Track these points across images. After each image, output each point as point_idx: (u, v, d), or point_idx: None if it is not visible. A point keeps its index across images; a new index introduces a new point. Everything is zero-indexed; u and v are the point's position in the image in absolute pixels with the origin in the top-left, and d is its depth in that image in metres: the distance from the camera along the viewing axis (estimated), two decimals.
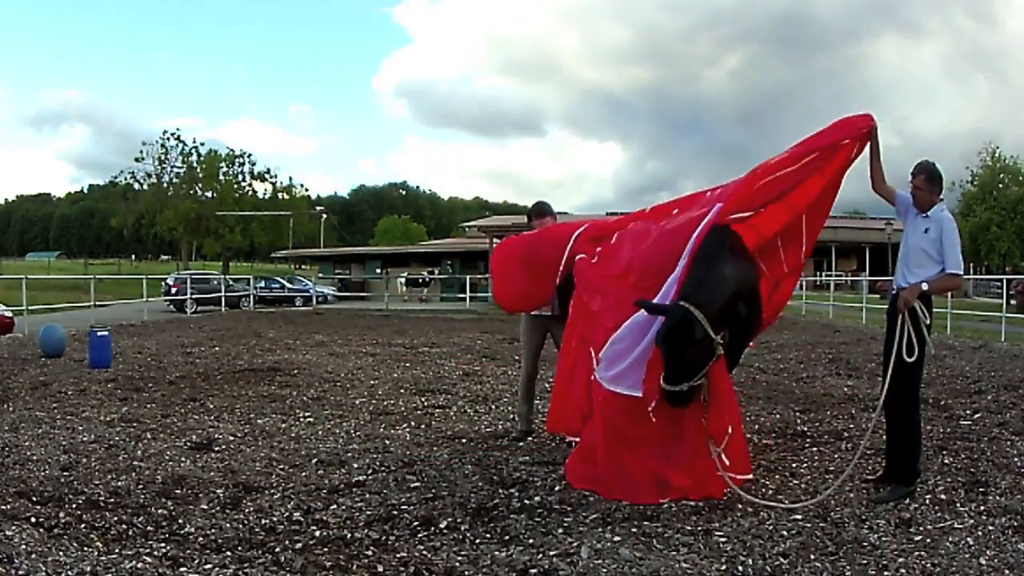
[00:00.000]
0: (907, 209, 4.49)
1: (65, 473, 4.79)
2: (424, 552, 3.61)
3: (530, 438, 5.89)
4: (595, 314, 4.75)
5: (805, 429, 6.11)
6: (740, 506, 4.16)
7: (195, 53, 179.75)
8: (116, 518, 3.98)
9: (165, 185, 57.45)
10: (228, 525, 3.94)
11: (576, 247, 5.11)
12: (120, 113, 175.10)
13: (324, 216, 63.92)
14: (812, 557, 3.49)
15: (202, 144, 58.07)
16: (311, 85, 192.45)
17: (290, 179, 78.76)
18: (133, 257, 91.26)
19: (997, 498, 4.28)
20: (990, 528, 3.83)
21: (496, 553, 3.58)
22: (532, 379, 6.10)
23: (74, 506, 4.16)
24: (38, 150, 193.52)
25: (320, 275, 46.24)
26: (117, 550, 3.58)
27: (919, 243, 4.38)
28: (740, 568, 3.38)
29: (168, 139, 56.77)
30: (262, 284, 34.32)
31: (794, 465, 5.07)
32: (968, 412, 6.62)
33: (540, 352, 6.07)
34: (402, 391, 8.13)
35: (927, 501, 4.24)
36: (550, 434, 5.79)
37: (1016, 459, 5.04)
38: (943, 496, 4.34)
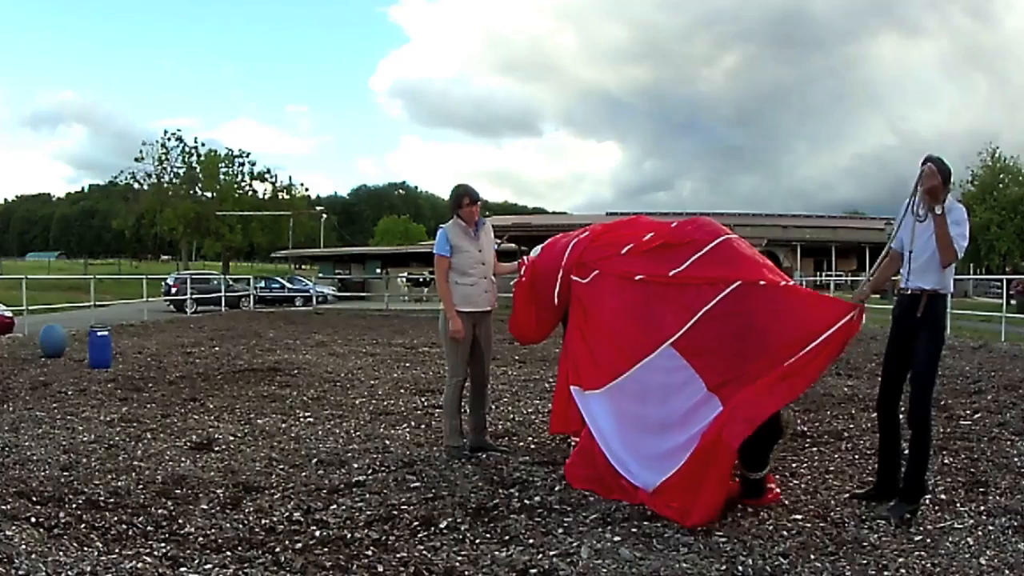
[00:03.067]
0: (905, 212, 4.20)
1: (65, 473, 4.79)
2: (424, 552, 3.61)
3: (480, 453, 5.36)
4: (583, 345, 4.79)
5: (805, 429, 6.11)
6: (740, 506, 4.17)
7: (191, 53, 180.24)
8: (116, 518, 3.98)
9: (165, 185, 57.36)
10: (228, 525, 3.94)
11: (566, 276, 5.02)
12: (117, 113, 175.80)
13: (324, 216, 63.85)
14: (812, 557, 3.49)
15: (202, 144, 58.04)
16: (308, 85, 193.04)
17: (290, 179, 78.59)
18: (144, 258, 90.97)
19: (997, 498, 4.28)
20: (990, 528, 3.83)
21: (496, 553, 3.58)
22: (462, 387, 5.35)
23: (74, 506, 4.15)
24: (35, 150, 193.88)
25: (320, 275, 46.17)
26: (117, 550, 3.58)
27: (932, 245, 4.05)
28: (740, 568, 3.38)
29: (168, 139, 56.76)
30: (262, 284, 34.26)
31: (794, 465, 5.07)
32: (968, 412, 6.63)
33: (468, 353, 5.33)
34: (402, 391, 8.13)
35: (927, 501, 4.23)
36: (552, 434, 5.79)
37: (1016, 459, 5.04)
38: (943, 496, 4.34)
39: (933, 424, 6.04)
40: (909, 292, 4.18)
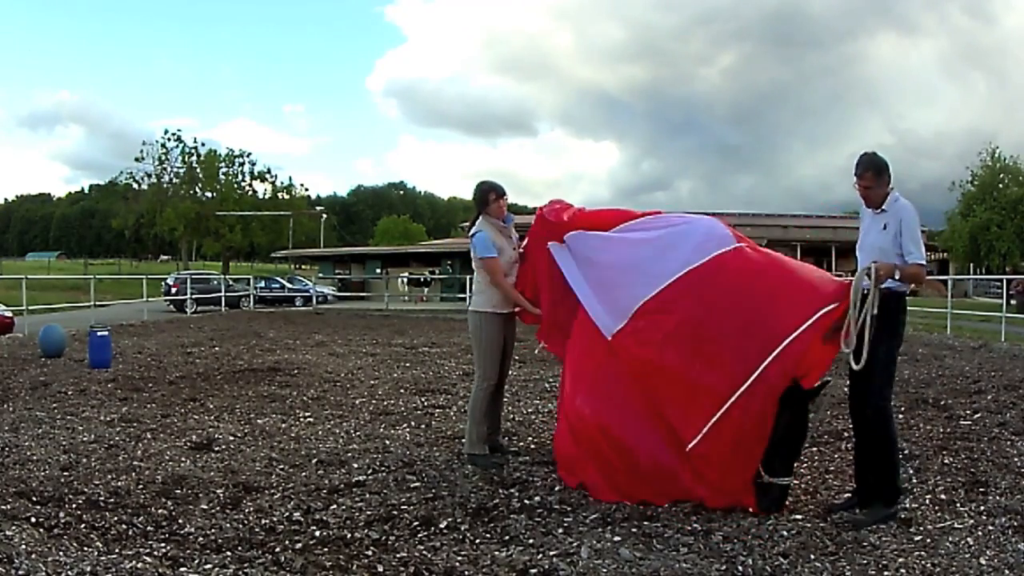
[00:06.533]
0: (861, 212, 4.20)
1: (65, 473, 4.79)
2: (424, 552, 3.61)
3: (514, 447, 5.58)
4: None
5: None
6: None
7: (188, 53, 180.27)
8: (116, 518, 3.98)
9: (165, 185, 57.35)
10: (228, 525, 3.94)
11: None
12: (114, 114, 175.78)
13: (324, 216, 63.83)
14: (812, 557, 3.49)
15: (202, 144, 58.05)
16: (305, 85, 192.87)
17: (290, 179, 78.77)
18: (144, 258, 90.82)
19: (997, 498, 4.28)
20: (990, 528, 3.83)
21: (496, 553, 3.58)
22: (493, 392, 5.19)
23: (74, 506, 4.15)
24: (33, 151, 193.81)
25: (320, 275, 46.16)
26: (117, 550, 3.58)
27: (878, 242, 4.02)
28: (740, 568, 3.38)
29: (169, 139, 56.76)
30: (262, 284, 34.28)
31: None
32: (968, 412, 6.62)
33: (500, 356, 5.20)
34: (402, 391, 8.13)
35: (927, 501, 4.24)
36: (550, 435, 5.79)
37: (1016, 459, 5.04)
38: (943, 496, 4.34)
39: (933, 424, 6.07)
40: (863, 290, 4.04)
